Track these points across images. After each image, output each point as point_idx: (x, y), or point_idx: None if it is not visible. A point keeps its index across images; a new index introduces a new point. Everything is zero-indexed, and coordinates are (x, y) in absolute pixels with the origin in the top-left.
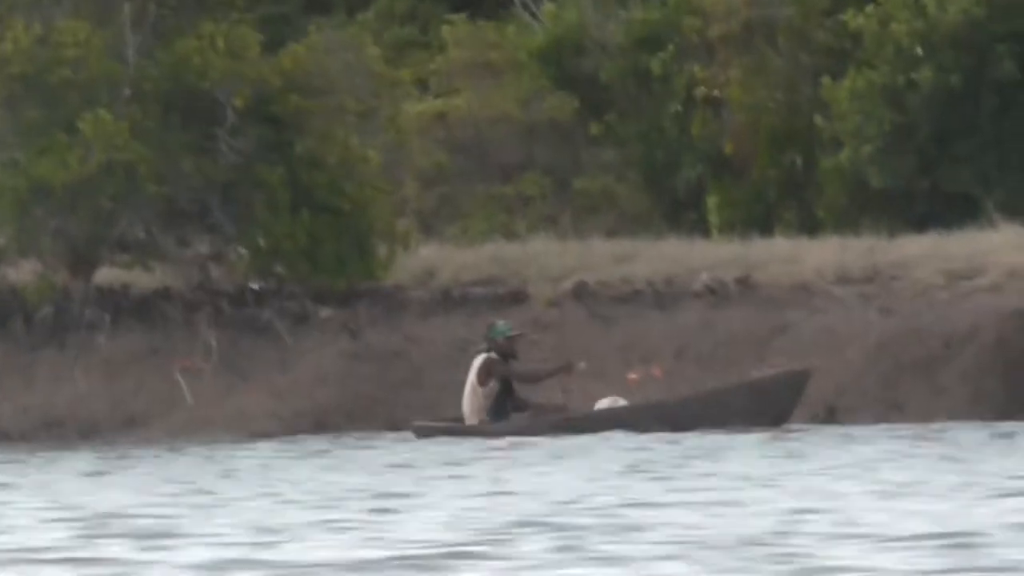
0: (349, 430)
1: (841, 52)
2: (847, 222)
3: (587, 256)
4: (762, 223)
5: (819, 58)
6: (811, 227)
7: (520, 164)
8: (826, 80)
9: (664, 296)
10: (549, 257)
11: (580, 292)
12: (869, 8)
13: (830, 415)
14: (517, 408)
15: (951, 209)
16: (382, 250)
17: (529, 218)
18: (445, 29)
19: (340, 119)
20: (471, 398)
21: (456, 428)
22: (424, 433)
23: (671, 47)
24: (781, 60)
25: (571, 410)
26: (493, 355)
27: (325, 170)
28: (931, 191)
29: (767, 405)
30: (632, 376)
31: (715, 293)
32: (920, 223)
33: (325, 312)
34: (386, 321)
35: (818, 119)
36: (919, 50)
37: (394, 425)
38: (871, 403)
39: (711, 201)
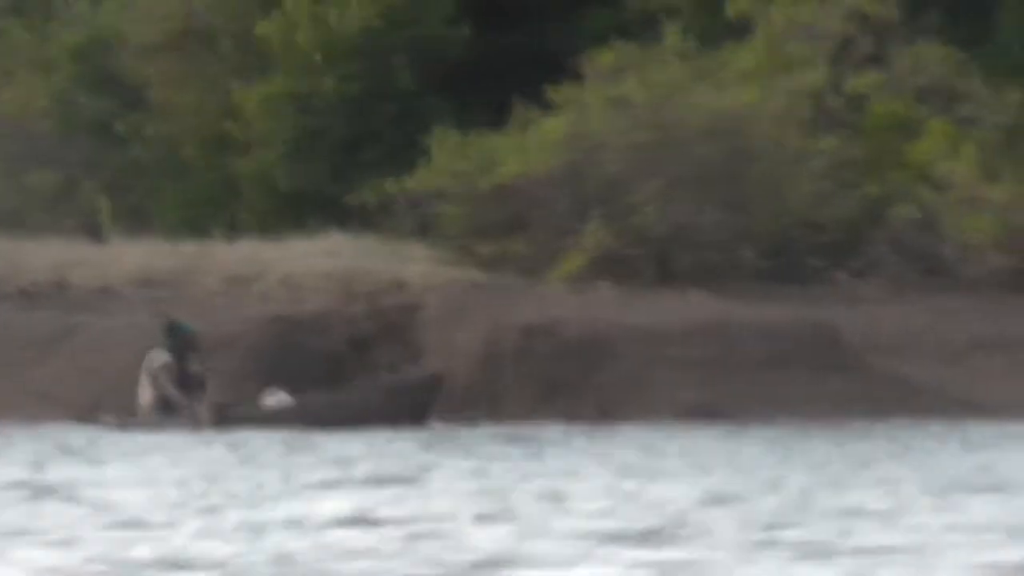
0: None
1: (266, 58)
2: (267, 224)
3: None
4: (208, 224)
5: (250, 65)
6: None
7: None
8: (237, 86)
9: None
10: None
11: None
12: (276, 15)
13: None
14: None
15: (361, 213)
16: None
17: None
18: None
19: None
20: (143, 393)
21: (131, 422)
22: (111, 426)
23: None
24: (217, 64)
25: (235, 406)
26: (166, 360)
27: None
28: (342, 195)
29: (406, 406)
30: None
31: (28, 295)
32: (340, 225)
33: None
34: None
35: (230, 124)
36: (319, 58)
37: None
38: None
39: (102, 203)
